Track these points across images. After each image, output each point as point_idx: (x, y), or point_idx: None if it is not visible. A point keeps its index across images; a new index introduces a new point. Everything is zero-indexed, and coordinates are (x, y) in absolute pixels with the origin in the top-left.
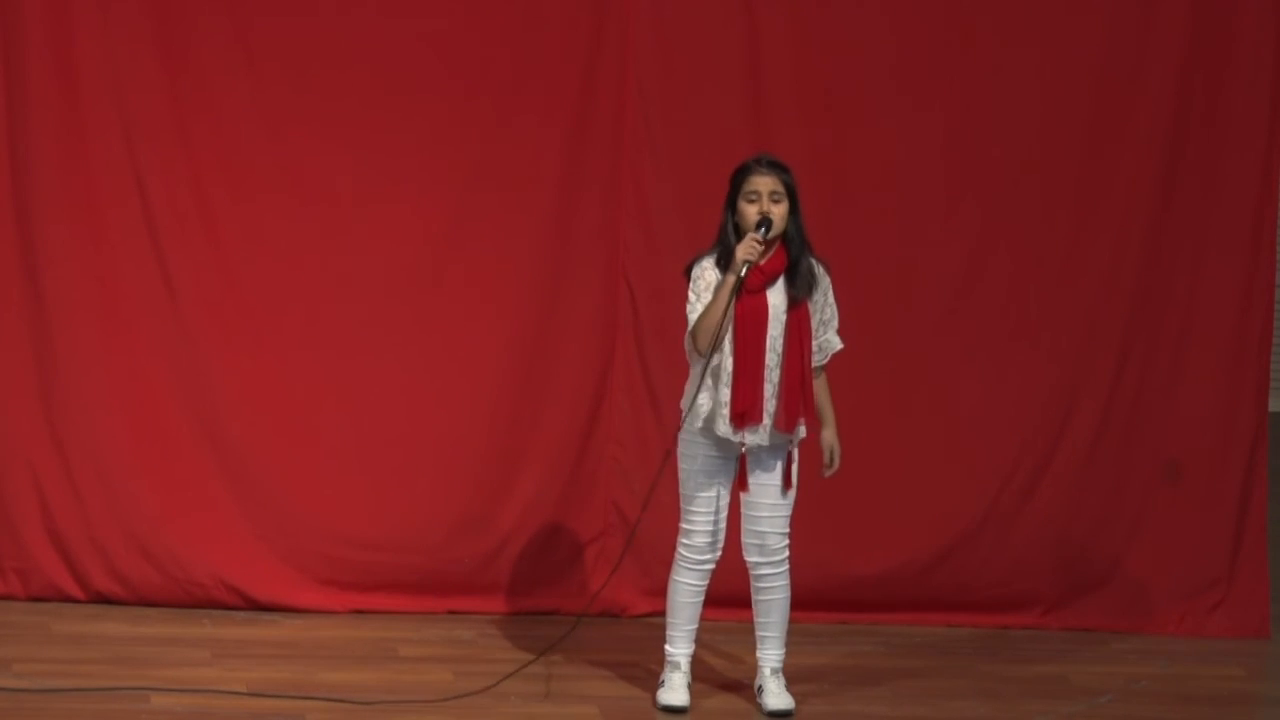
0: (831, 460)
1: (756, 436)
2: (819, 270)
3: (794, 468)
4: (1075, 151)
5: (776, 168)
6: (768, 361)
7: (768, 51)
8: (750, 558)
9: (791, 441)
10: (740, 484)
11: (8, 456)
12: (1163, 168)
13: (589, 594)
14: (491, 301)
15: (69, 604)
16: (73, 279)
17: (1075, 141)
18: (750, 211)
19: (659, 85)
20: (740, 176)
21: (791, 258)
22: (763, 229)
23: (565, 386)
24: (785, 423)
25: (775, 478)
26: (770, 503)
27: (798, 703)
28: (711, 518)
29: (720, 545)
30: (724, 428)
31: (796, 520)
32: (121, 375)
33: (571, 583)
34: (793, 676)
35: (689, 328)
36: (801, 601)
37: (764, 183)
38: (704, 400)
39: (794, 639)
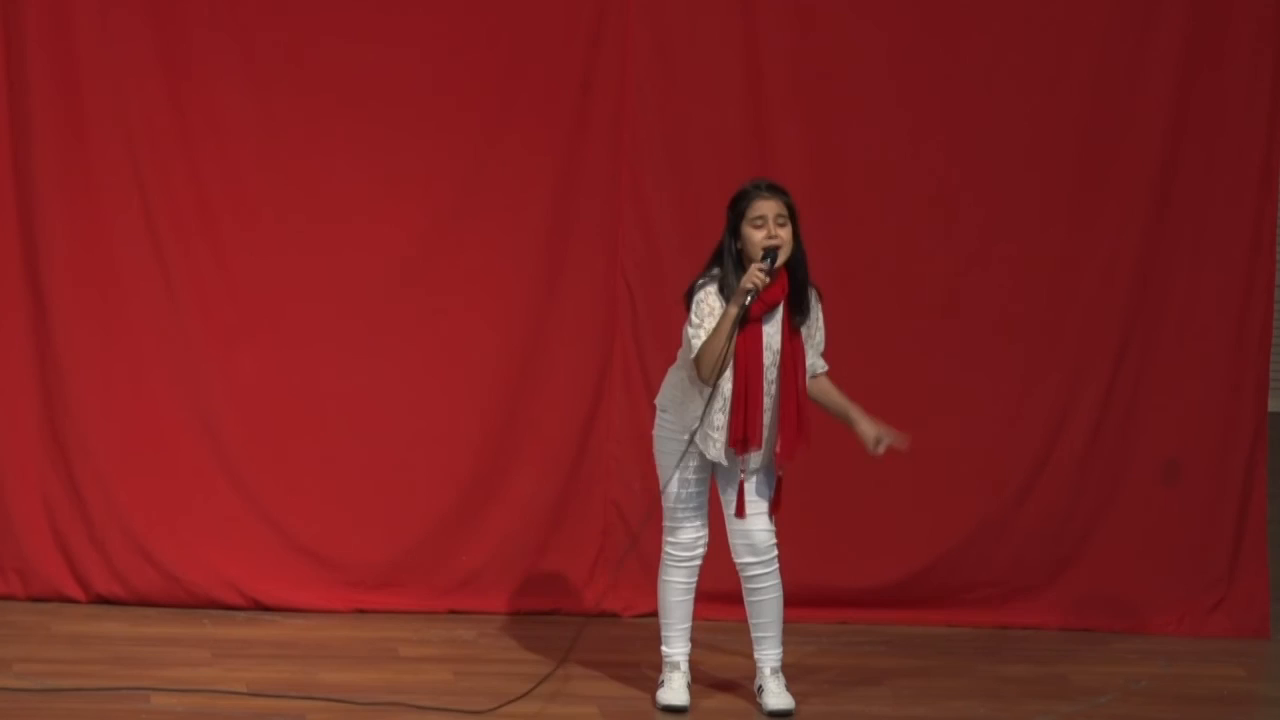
0: (879, 441)
1: (754, 461)
2: (812, 297)
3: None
4: (1074, 152)
5: (778, 191)
6: (766, 389)
7: (767, 52)
8: (740, 559)
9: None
10: (739, 511)
11: (9, 457)
12: (1162, 167)
13: (589, 595)
14: (491, 302)
15: (69, 604)
16: (74, 281)
17: (1074, 142)
18: (758, 237)
19: (658, 87)
20: (743, 202)
21: (797, 282)
22: (769, 259)
23: (564, 386)
24: (784, 454)
25: (756, 479)
26: (755, 503)
27: (798, 702)
28: (694, 514)
29: (705, 540)
30: (714, 451)
31: (796, 522)
32: (122, 377)
33: (571, 582)
34: (792, 676)
35: (692, 354)
36: (801, 601)
37: (769, 206)
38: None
39: (794, 639)
